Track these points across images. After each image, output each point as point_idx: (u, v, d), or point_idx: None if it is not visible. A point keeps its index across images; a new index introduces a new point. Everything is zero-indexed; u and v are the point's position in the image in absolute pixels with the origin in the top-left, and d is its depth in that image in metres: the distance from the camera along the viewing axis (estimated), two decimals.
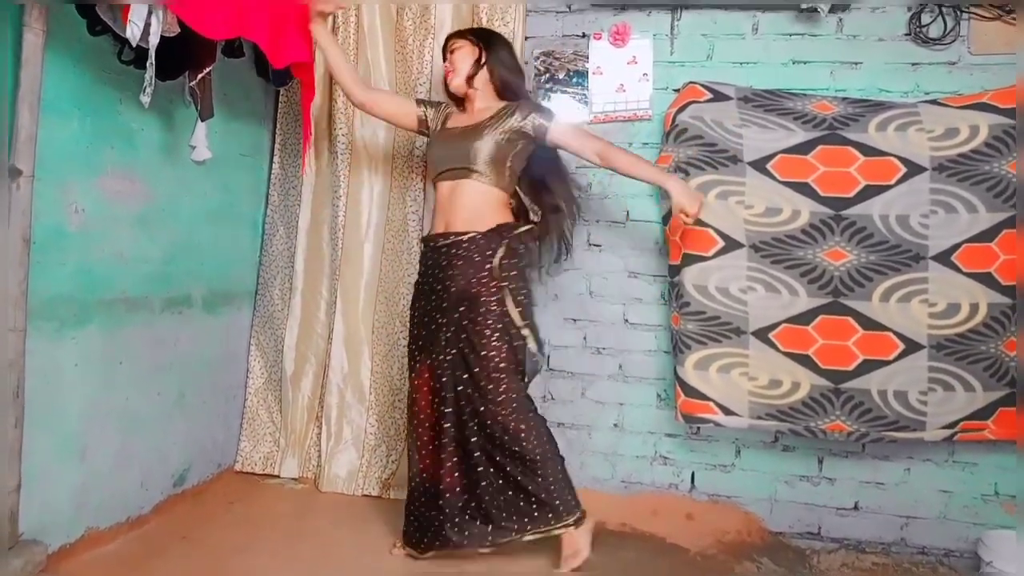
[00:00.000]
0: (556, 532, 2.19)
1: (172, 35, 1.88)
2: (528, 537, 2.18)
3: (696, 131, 2.51)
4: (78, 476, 2.09)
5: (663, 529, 2.57)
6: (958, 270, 2.33)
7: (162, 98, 2.23)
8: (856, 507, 2.59)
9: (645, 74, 2.74)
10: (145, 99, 1.87)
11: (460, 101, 2.47)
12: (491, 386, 2.17)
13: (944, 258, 2.34)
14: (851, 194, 2.41)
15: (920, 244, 2.36)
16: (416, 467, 2.28)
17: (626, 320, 2.78)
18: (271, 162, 3.08)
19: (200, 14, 1.89)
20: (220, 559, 2.17)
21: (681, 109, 2.56)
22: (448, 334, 2.21)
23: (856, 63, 2.63)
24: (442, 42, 2.83)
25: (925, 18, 2.56)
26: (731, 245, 2.46)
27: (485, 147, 2.26)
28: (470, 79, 2.38)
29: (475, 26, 2.70)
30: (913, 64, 2.60)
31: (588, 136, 2.39)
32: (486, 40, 2.42)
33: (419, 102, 2.51)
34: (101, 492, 2.18)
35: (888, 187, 2.39)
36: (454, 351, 2.20)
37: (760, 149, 2.47)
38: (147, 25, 1.80)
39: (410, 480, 2.31)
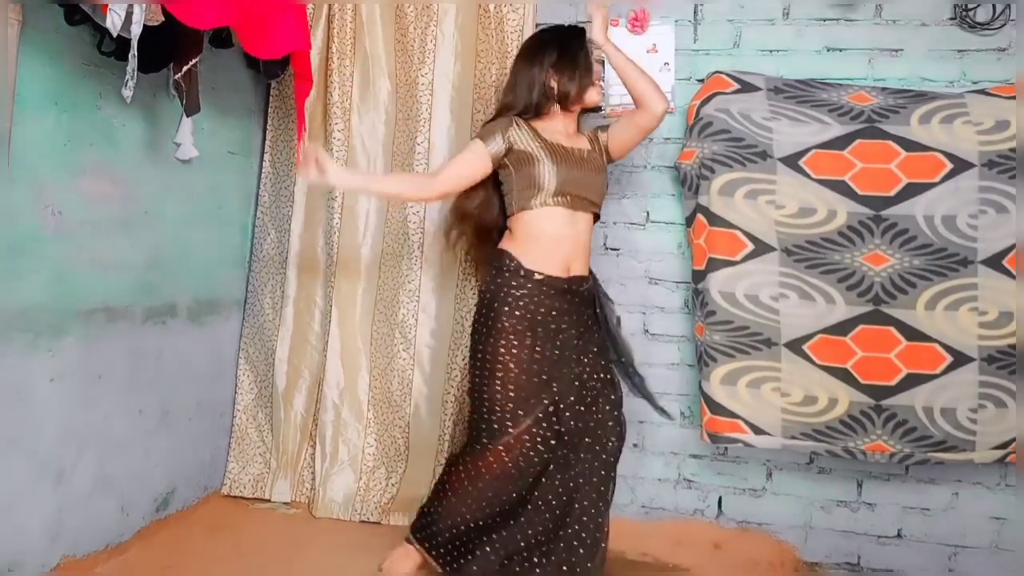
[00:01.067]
0: None
1: (155, 24, 1.89)
2: None
3: (722, 125, 2.50)
4: (53, 500, 2.10)
5: (688, 559, 2.55)
6: (1010, 275, 2.31)
7: (145, 92, 2.24)
8: (899, 535, 2.57)
9: (666, 63, 2.74)
10: (127, 93, 1.87)
11: (536, 108, 2.30)
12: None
13: (995, 262, 2.32)
14: (892, 193, 2.40)
15: (968, 247, 2.34)
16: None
17: (646, 330, 2.77)
18: (262, 160, 3.09)
19: (185, 1, 1.90)
20: None
21: (705, 101, 2.56)
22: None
23: (896, 50, 2.62)
24: (445, 31, 2.87)
25: (972, 0, 2.55)
26: (761, 248, 2.45)
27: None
28: None
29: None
30: (959, 51, 2.58)
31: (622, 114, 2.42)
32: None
33: (483, 139, 2.27)
34: (78, 518, 2.18)
35: (932, 185, 2.37)
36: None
37: (792, 144, 2.46)
38: (129, 14, 1.81)
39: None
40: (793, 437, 2.43)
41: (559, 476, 2.17)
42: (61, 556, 2.13)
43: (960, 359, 2.33)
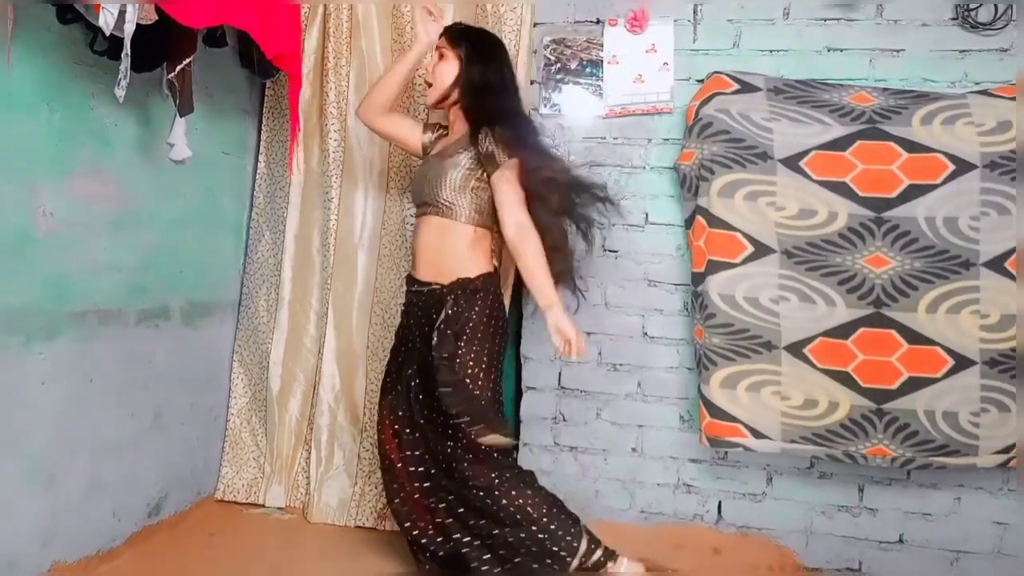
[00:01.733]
0: None
1: (149, 23, 1.89)
2: None
3: (722, 125, 2.51)
4: (44, 505, 2.10)
5: (687, 565, 2.55)
6: (1012, 277, 2.32)
7: (138, 92, 2.25)
8: (901, 540, 2.57)
9: (665, 63, 2.74)
10: (120, 92, 1.87)
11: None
12: None
13: (997, 264, 2.33)
14: (893, 194, 2.40)
15: (970, 249, 2.34)
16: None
17: (645, 333, 2.77)
18: (256, 161, 3.09)
19: (179, 1, 1.90)
20: None
21: (705, 101, 2.56)
22: None
23: (898, 50, 2.63)
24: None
25: (973, 1, 2.56)
26: (761, 251, 2.45)
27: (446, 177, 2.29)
28: (444, 97, 2.39)
29: (474, 25, 2.64)
30: (961, 51, 2.59)
31: (520, 206, 2.24)
32: (471, 51, 2.37)
33: (425, 127, 2.54)
34: (70, 523, 2.18)
35: (934, 186, 2.38)
36: None
37: (792, 145, 2.47)
38: (121, 12, 1.81)
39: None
40: (793, 441, 2.43)
41: None
42: (52, 561, 2.12)
43: (962, 362, 2.33)
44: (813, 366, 2.41)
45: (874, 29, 2.64)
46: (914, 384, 2.35)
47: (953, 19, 2.59)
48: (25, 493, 2.03)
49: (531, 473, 2.34)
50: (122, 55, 1.86)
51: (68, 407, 2.16)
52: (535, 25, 2.85)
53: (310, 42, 2.92)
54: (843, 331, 2.40)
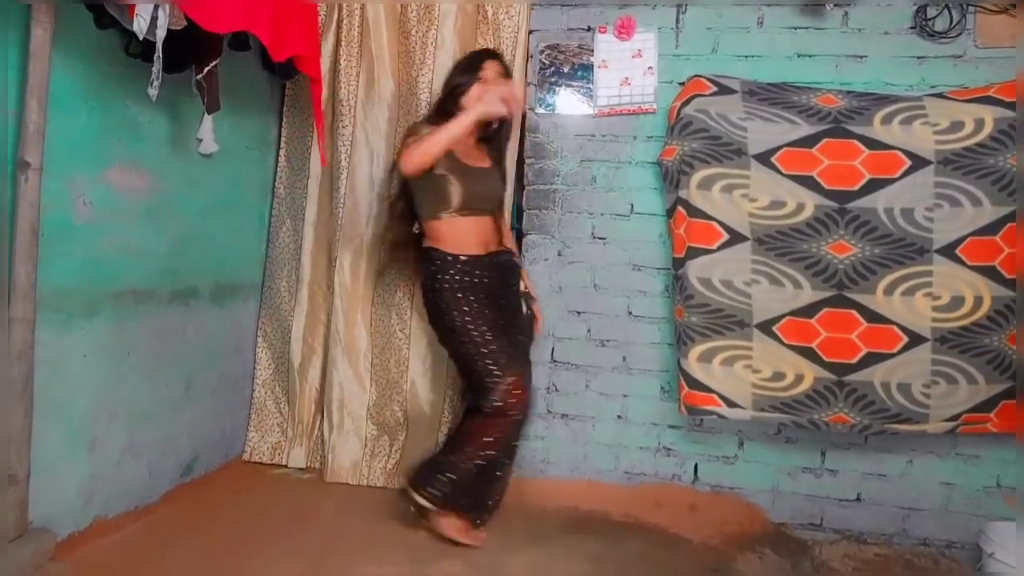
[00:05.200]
0: None
1: (179, 28, 1.87)
2: None
3: (701, 124, 2.49)
4: (87, 466, 2.10)
5: (666, 520, 2.57)
6: (962, 263, 2.32)
7: (169, 91, 2.22)
8: (858, 499, 2.59)
9: (650, 67, 2.73)
10: (152, 92, 1.86)
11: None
12: None
13: (949, 251, 2.33)
14: (856, 187, 2.39)
15: (925, 237, 2.34)
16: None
17: (630, 312, 2.77)
18: (277, 155, 3.08)
19: (205, 8, 1.88)
20: (227, 548, 2.18)
21: (686, 102, 2.55)
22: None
23: (861, 56, 2.61)
24: (445, 34, 2.84)
25: (931, 11, 2.54)
26: (735, 238, 2.45)
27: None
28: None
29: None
30: (919, 57, 2.57)
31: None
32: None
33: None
34: (109, 482, 2.19)
35: (893, 180, 2.37)
36: None
37: (765, 142, 2.46)
38: (154, 19, 1.79)
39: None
40: (763, 410, 2.44)
41: None
42: (94, 517, 2.13)
43: (915, 339, 2.34)
44: (781, 342, 2.42)
45: (840, 37, 2.63)
46: (872, 359, 2.36)
47: (912, 28, 2.57)
48: (68, 456, 2.04)
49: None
50: (155, 57, 1.84)
51: (107, 378, 2.16)
52: (531, 32, 2.83)
53: (326, 46, 2.89)
54: (809, 311, 2.40)
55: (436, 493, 2.25)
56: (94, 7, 1.88)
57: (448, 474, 2.26)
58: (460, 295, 2.31)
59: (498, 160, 2.58)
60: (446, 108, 2.41)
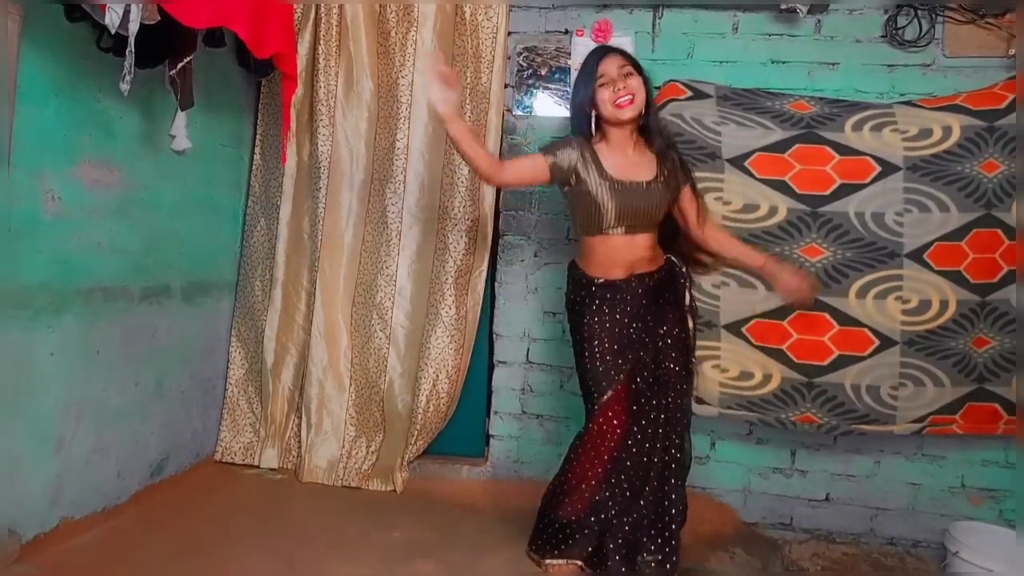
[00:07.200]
0: None
1: (152, 23, 1.84)
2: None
3: (676, 128, 2.50)
4: (53, 466, 2.06)
5: None
6: (931, 268, 2.35)
7: (142, 87, 2.19)
8: (827, 499, 2.62)
9: None
10: (124, 87, 1.83)
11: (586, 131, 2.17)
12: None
13: (917, 256, 2.36)
14: (827, 192, 2.42)
15: (895, 242, 2.37)
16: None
17: None
18: (252, 153, 3.04)
19: (181, 2, 1.86)
20: (198, 549, 2.14)
21: (661, 106, 2.55)
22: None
23: (833, 64, 2.64)
24: (424, 35, 2.82)
25: (901, 20, 2.58)
26: None
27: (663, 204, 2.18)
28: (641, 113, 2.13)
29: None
30: (889, 66, 2.61)
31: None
32: (640, 71, 2.15)
33: (546, 152, 2.16)
34: (77, 482, 2.15)
35: (863, 186, 2.40)
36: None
37: (738, 147, 2.47)
38: (126, 12, 1.76)
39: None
40: (729, 407, 2.46)
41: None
42: (60, 518, 2.09)
43: (885, 342, 2.36)
44: (750, 343, 2.43)
45: (813, 44, 2.66)
46: (844, 361, 2.38)
47: (883, 37, 2.61)
48: (34, 455, 1.99)
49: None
50: (126, 52, 1.81)
51: (75, 377, 2.12)
52: (509, 34, 2.83)
53: (302, 45, 2.87)
54: (779, 313, 2.42)
55: None
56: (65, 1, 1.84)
57: None
58: None
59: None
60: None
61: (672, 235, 2.28)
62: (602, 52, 2.17)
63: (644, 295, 2.16)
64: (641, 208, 2.12)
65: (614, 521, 2.11)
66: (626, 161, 2.14)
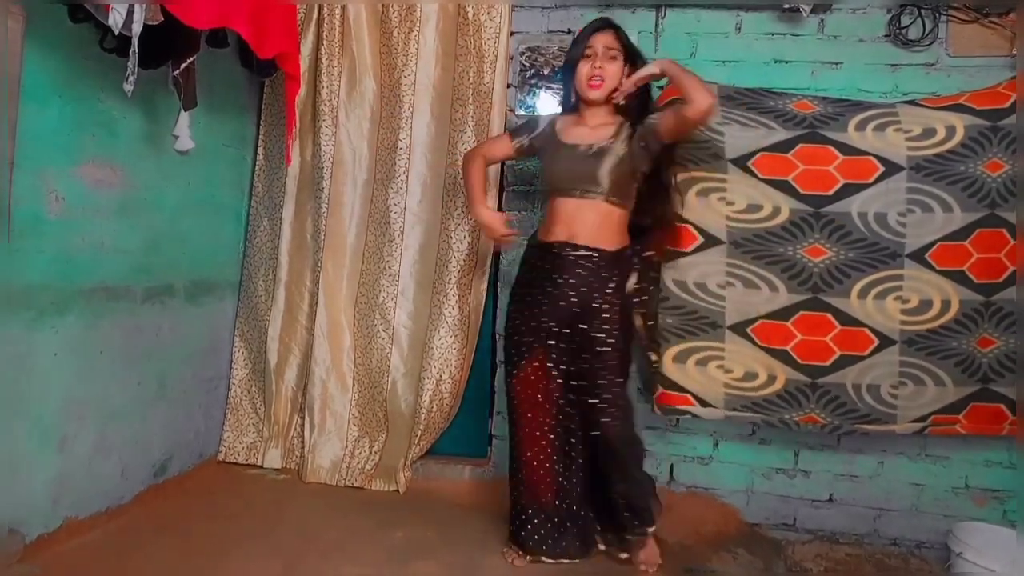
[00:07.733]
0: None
1: (155, 23, 1.84)
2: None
3: None
4: (56, 466, 2.06)
5: None
6: (932, 268, 2.34)
7: (145, 87, 2.19)
8: (830, 499, 2.61)
9: None
10: (128, 87, 1.83)
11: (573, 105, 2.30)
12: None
13: (919, 256, 2.35)
14: (830, 192, 2.41)
15: (897, 242, 2.37)
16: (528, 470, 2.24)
17: None
18: (255, 153, 3.04)
19: (184, 3, 1.86)
20: (201, 549, 2.15)
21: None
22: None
23: (836, 63, 2.64)
24: (427, 35, 2.82)
25: (905, 20, 2.57)
26: (711, 241, 2.45)
27: (609, 166, 2.16)
28: (611, 95, 2.21)
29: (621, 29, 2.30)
30: (892, 65, 2.60)
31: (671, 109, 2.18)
32: (634, 58, 2.23)
33: (512, 134, 2.38)
34: (80, 482, 2.15)
35: (866, 186, 2.39)
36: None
37: (741, 147, 2.47)
38: (130, 13, 1.77)
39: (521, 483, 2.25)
40: (735, 409, 2.45)
41: None
42: (63, 518, 2.09)
43: (885, 342, 2.36)
44: (755, 343, 2.43)
45: (816, 44, 2.65)
46: (845, 361, 2.38)
47: (886, 36, 2.61)
48: (37, 455, 2.00)
49: None
50: (130, 53, 1.81)
51: (78, 376, 2.12)
52: (512, 34, 2.82)
53: (305, 45, 2.87)
54: (784, 314, 2.42)
55: None
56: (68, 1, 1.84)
57: None
58: None
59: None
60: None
61: (648, 227, 2.36)
62: (600, 24, 2.25)
63: (581, 268, 2.17)
64: (577, 170, 2.18)
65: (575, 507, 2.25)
66: (585, 130, 2.24)
